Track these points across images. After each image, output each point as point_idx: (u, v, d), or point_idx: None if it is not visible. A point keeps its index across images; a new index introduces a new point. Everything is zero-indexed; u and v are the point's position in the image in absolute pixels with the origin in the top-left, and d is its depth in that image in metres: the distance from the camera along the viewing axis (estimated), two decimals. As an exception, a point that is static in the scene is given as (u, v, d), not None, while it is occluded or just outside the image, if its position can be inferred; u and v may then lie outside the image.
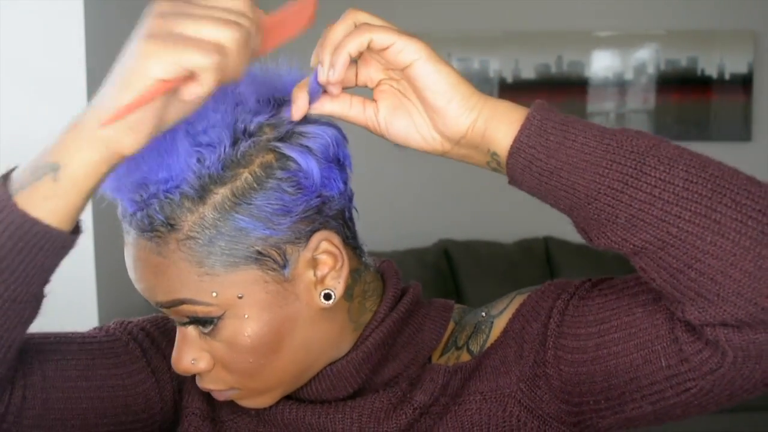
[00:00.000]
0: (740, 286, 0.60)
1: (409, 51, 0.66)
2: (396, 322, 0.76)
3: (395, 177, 3.47)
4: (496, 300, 0.80)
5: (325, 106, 0.70)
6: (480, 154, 0.68)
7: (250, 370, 0.71)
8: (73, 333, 0.78)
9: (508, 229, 3.51)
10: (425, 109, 0.68)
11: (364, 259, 0.77)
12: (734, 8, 3.55)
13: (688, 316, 0.63)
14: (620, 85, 3.61)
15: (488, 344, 0.76)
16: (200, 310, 0.69)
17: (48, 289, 0.66)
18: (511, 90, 3.54)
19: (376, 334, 0.75)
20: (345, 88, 0.71)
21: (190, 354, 0.72)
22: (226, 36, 0.58)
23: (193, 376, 0.80)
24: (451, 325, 0.80)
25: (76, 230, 0.64)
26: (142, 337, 0.81)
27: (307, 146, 0.69)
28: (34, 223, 0.60)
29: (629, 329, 0.67)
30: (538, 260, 3.45)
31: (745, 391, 0.65)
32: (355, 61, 0.69)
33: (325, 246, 0.71)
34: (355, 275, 0.74)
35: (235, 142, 0.67)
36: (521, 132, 0.65)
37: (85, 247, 2.13)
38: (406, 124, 0.70)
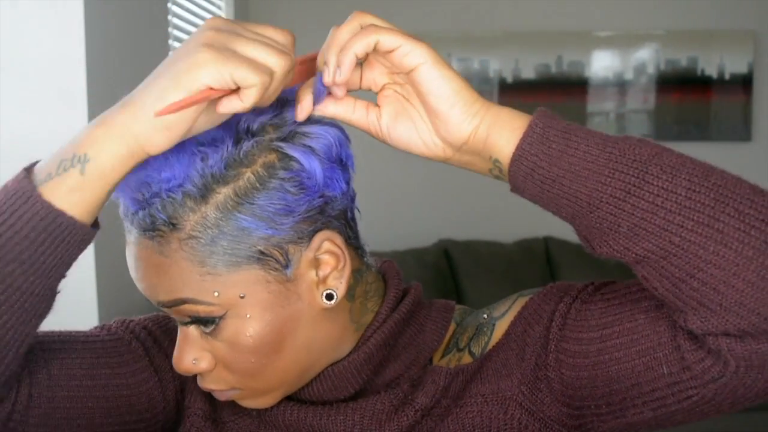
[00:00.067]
0: (743, 296, 0.60)
1: (414, 55, 0.65)
2: (397, 323, 0.76)
3: (395, 177, 3.47)
4: (498, 302, 0.80)
5: (329, 109, 0.70)
6: (482, 161, 0.68)
7: (252, 370, 0.71)
8: (76, 332, 0.78)
9: (508, 229, 3.51)
10: (428, 114, 0.68)
11: (365, 259, 0.76)
12: (734, 8, 3.56)
13: (690, 325, 0.63)
14: (620, 85, 3.61)
15: (490, 346, 0.76)
16: (202, 310, 0.69)
17: (62, 284, 0.66)
18: (511, 90, 3.54)
19: (377, 335, 0.75)
20: (349, 91, 0.71)
21: (192, 354, 0.72)
22: (276, 63, 0.62)
23: (195, 376, 0.80)
24: (452, 327, 0.80)
25: (95, 225, 0.65)
26: (145, 336, 0.80)
27: (310, 146, 0.69)
28: (59, 214, 0.61)
29: (631, 335, 0.67)
30: (538, 260, 3.45)
31: (747, 399, 0.65)
32: (360, 64, 0.70)
33: (328, 246, 0.70)
34: (356, 275, 0.74)
35: (237, 142, 0.67)
36: (523, 140, 0.65)
37: (85, 252, 2.12)
38: (408, 129, 0.70)
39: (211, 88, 0.60)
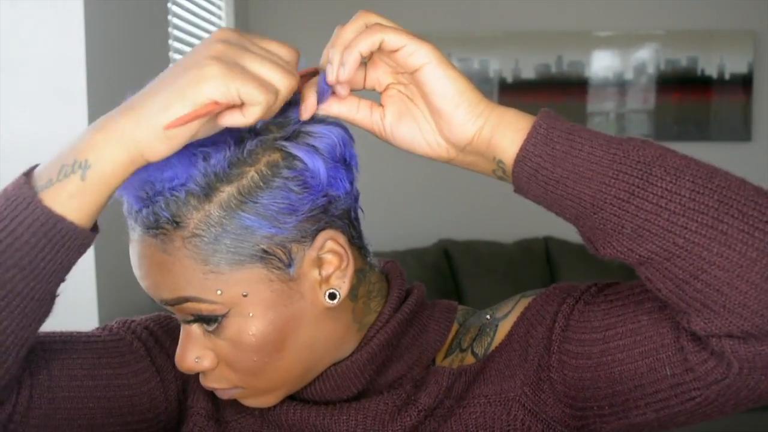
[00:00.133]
0: (746, 298, 0.60)
1: (419, 54, 0.66)
2: (400, 324, 0.76)
3: (395, 177, 3.47)
4: (501, 302, 0.80)
5: (333, 108, 0.70)
6: (485, 161, 0.68)
7: (255, 369, 0.71)
8: (77, 332, 0.78)
9: (508, 229, 3.51)
10: (432, 114, 0.68)
11: (369, 259, 0.76)
12: (734, 8, 3.56)
13: (693, 326, 0.63)
14: (620, 85, 3.61)
15: (493, 347, 0.76)
16: (205, 308, 0.69)
17: (62, 286, 0.66)
18: (511, 90, 3.54)
19: (380, 335, 0.75)
20: (353, 91, 0.71)
21: (194, 352, 0.72)
22: (282, 82, 0.62)
23: (198, 375, 0.80)
24: (454, 327, 0.80)
25: (94, 228, 0.66)
26: (146, 336, 0.80)
27: (313, 146, 0.69)
28: (59, 219, 0.61)
29: (634, 337, 0.67)
30: (538, 260, 3.45)
31: (751, 401, 0.65)
32: (364, 63, 0.70)
33: (331, 245, 0.70)
34: (359, 275, 0.74)
35: (241, 141, 0.67)
36: (527, 140, 0.65)
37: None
38: (411, 129, 0.70)
39: (217, 102, 0.61)
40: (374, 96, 0.73)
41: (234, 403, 0.79)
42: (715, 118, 3.60)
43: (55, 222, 0.61)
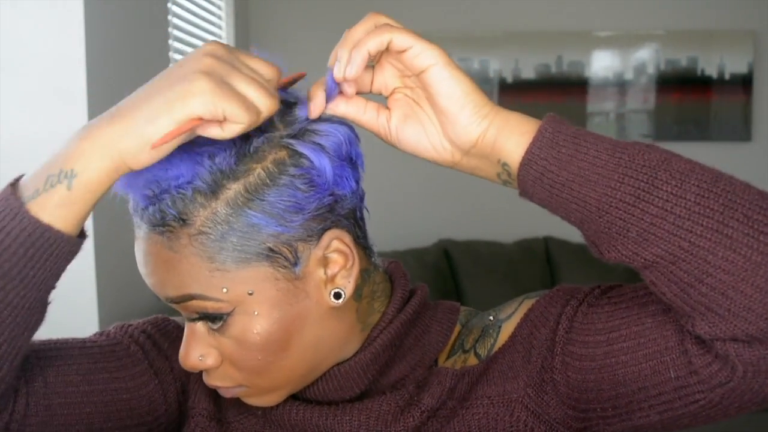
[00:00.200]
0: (751, 302, 0.60)
1: (426, 56, 0.66)
2: (404, 324, 0.76)
3: (395, 177, 3.47)
4: (504, 304, 0.80)
5: (340, 108, 0.71)
6: (490, 164, 0.68)
7: (259, 368, 0.71)
8: (73, 339, 0.78)
9: (508, 229, 3.51)
10: (437, 116, 0.68)
11: (373, 259, 0.76)
12: (734, 8, 3.56)
13: (698, 330, 0.63)
14: (620, 85, 3.61)
15: (496, 348, 0.76)
16: (210, 306, 0.69)
17: (53, 295, 0.67)
18: (511, 90, 3.54)
19: (384, 336, 0.75)
20: (359, 94, 0.71)
21: (198, 350, 0.71)
22: (265, 105, 0.64)
23: (198, 377, 0.80)
24: (457, 328, 0.80)
25: (81, 235, 0.66)
26: (144, 340, 0.80)
27: (319, 144, 0.69)
28: (46, 229, 0.62)
29: (638, 339, 0.67)
30: (538, 260, 3.45)
31: (755, 404, 0.65)
32: (371, 66, 0.70)
33: (337, 245, 0.70)
34: (364, 275, 0.74)
35: (246, 138, 0.67)
36: (533, 144, 0.65)
37: (85, 247, 2.12)
38: (417, 133, 0.70)
39: (201, 117, 0.62)
40: (380, 100, 0.73)
41: (236, 404, 0.79)
42: (715, 118, 3.60)
43: (43, 231, 0.62)
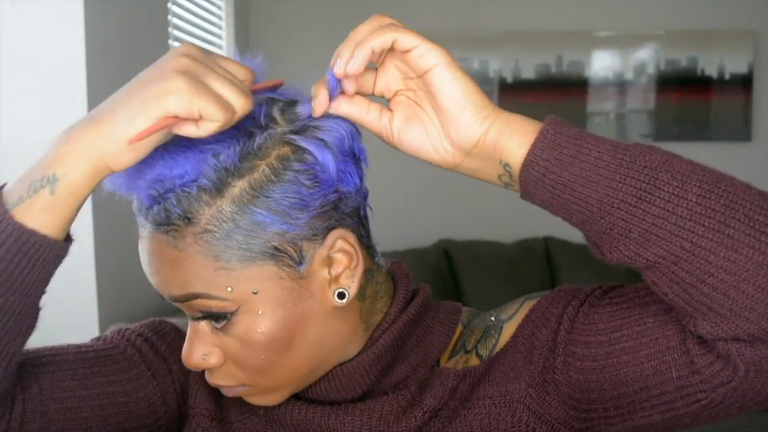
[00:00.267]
0: (753, 301, 0.60)
1: (430, 56, 0.66)
2: (406, 325, 0.76)
3: (395, 177, 3.47)
4: (505, 304, 0.80)
5: (343, 107, 0.71)
6: (492, 166, 0.68)
7: (262, 367, 0.71)
8: (69, 345, 0.78)
9: (508, 229, 3.51)
10: (439, 117, 0.69)
11: (376, 259, 0.77)
12: (734, 8, 3.56)
13: (700, 330, 0.63)
14: (620, 85, 3.61)
15: (497, 349, 0.76)
16: (215, 305, 0.69)
17: (44, 300, 0.67)
18: (511, 90, 3.54)
19: (386, 336, 0.75)
20: (362, 95, 0.71)
21: (201, 349, 0.71)
22: (240, 104, 0.64)
23: (198, 377, 0.80)
24: (459, 328, 0.80)
25: (68, 239, 0.67)
26: (140, 343, 0.80)
27: (322, 139, 0.70)
28: (32, 234, 0.63)
29: (640, 339, 0.67)
30: (538, 260, 3.45)
31: (756, 403, 0.65)
32: (374, 68, 0.70)
33: (341, 244, 0.71)
34: (367, 275, 0.74)
35: (250, 135, 0.68)
36: (535, 145, 0.65)
37: (85, 247, 2.13)
38: (419, 134, 0.70)
39: (177, 116, 0.62)
40: (382, 103, 0.73)
41: (238, 404, 0.79)
42: (715, 118, 3.60)
43: (29, 237, 0.63)
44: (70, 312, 1.93)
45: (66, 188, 0.63)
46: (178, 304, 0.71)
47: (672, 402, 0.67)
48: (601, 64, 3.60)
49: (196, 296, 0.68)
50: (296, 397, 0.77)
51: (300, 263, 0.69)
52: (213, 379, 0.73)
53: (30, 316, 0.67)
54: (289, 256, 0.69)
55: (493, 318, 0.79)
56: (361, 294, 0.74)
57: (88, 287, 1.99)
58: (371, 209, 0.76)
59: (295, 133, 0.69)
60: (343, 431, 0.74)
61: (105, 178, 0.65)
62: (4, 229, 0.62)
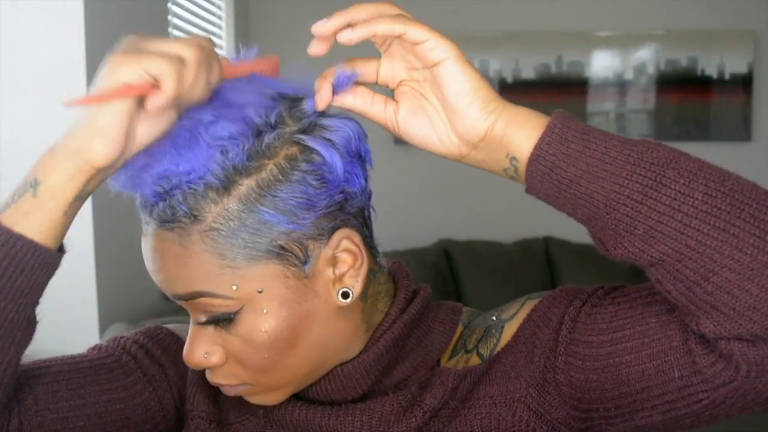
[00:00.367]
0: (756, 301, 0.60)
1: (440, 50, 0.66)
2: (407, 325, 0.76)
3: (395, 176, 3.47)
4: (506, 304, 0.80)
5: (347, 100, 0.71)
6: (498, 159, 0.68)
7: (265, 366, 0.71)
8: (63, 356, 0.78)
9: (508, 229, 3.51)
10: (445, 110, 0.69)
11: (378, 259, 0.76)
12: (734, 8, 3.56)
13: (702, 328, 0.63)
14: (620, 85, 3.61)
15: (498, 349, 0.76)
16: (219, 303, 0.68)
17: (39, 313, 0.67)
18: (511, 90, 3.54)
19: (387, 336, 0.75)
20: (365, 85, 0.71)
21: (203, 348, 0.71)
22: (185, 51, 0.63)
23: (196, 380, 0.80)
24: (459, 328, 0.80)
25: (61, 250, 0.67)
26: (135, 350, 0.80)
27: (330, 140, 0.69)
28: (18, 238, 0.63)
29: (642, 339, 0.67)
30: (538, 260, 3.45)
31: (758, 404, 0.65)
32: (377, 58, 0.70)
33: (346, 244, 0.71)
34: (370, 275, 0.74)
35: (258, 134, 0.67)
36: (542, 139, 0.65)
37: (85, 247, 2.13)
38: (424, 125, 0.70)
39: (130, 85, 0.62)
40: (385, 93, 0.73)
41: (237, 404, 0.79)
42: (715, 118, 3.60)
43: (15, 241, 0.63)
44: (70, 312, 1.93)
45: (48, 191, 0.64)
46: (181, 303, 0.71)
47: (673, 402, 0.66)
48: (601, 64, 3.60)
49: (201, 294, 0.68)
50: (296, 397, 0.77)
51: (305, 262, 0.69)
52: (214, 378, 0.73)
53: (23, 327, 0.66)
54: (295, 255, 0.68)
55: (494, 318, 0.79)
56: (363, 294, 0.73)
57: (88, 287, 1.99)
58: (374, 210, 0.76)
59: (303, 132, 0.69)
60: (343, 431, 0.74)
61: (99, 178, 0.65)
62: None
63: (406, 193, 3.59)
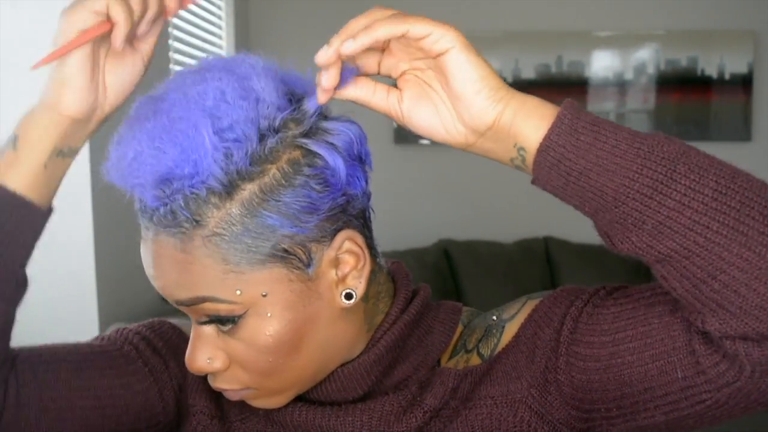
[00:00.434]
0: (764, 300, 0.60)
1: (445, 40, 0.64)
2: (407, 325, 0.75)
3: (395, 176, 3.47)
4: (507, 304, 0.80)
5: (349, 91, 0.69)
6: (505, 148, 0.67)
7: (269, 370, 0.70)
8: (66, 343, 0.79)
9: (508, 229, 3.51)
10: (451, 99, 0.67)
11: (378, 260, 0.76)
12: (734, 8, 3.56)
13: (708, 327, 0.62)
14: (620, 85, 3.61)
15: (499, 349, 0.76)
16: (223, 308, 0.68)
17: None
18: (511, 90, 3.54)
19: (387, 337, 0.75)
20: (367, 75, 0.70)
21: (206, 353, 0.71)
22: None
23: (198, 376, 0.80)
24: (459, 328, 0.79)
25: (50, 210, 0.71)
26: (138, 340, 0.80)
27: (332, 143, 0.69)
28: (0, 188, 0.66)
29: (645, 339, 0.67)
30: (538, 260, 3.45)
31: (761, 404, 0.65)
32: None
33: (348, 245, 0.70)
34: (371, 276, 0.74)
35: (261, 138, 0.67)
36: (552, 130, 0.64)
37: (85, 246, 2.13)
38: (430, 114, 0.68)
39: (84, 30, 0.65)
40: (388, 83, 0.71)
41: (238, 404, 0.79)
42: (715, 118, 3.60)
43: None
44: (70, 312, 1.93)
45: (26, 144, 0.68)
46: (183, 308, 0.70)
47: (676, 402, 0.66)
48: (601, 64, 3.60)
49: (204, 300, 0.68)
50: (297, 398, 0.76)
51: (308, 265, 0.69)
52: (217, 383, 0.73)
53: (11, 285, 0.68)
54: (298, 258, 0.68)
55: (494, 317, 0.79)
56: (365, 295, 0.73)
57: (88, 287, 1.99)
58: (373, 211, 0.76)
59: (306, 136, 0.68)
60: (343, 431, 0.74)
61: (78, 132, 0.69)
62: None
63: (406, 193, 3.59)
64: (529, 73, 3.56)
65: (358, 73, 0.69)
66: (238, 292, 0.67)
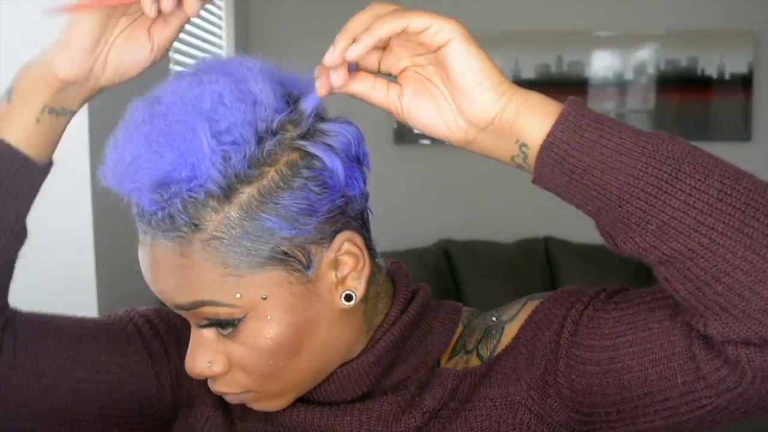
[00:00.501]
0: (767, 304, 0.59)
1: (444, 32, 0.63)
2: (407, 325, 0.75)
3: (395, 176, 3.47)
4: (507, 305, 0.79)
5: (348, 86, 0.67)
6: (506, 145, 0.65)
7: (269, 373, 0.70)
8: (70, 315, 0.79)
9: (508, 229, 3.51)
10: (452, 92, 0.65)
11: (377, 260, 0.76)
12: (734, 8, 3.56)
13: (710, 330, 0.62)
14: (620, 85, 3.61)
15: (499, 350, 0.75)
16: (223, 312, 0.67)
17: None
18: (511, 90, 3.54)
19: (387, 337, 0.74)
20: (367, 71, 0.69)
21: (206, 357, 0.70)
22: None
23: None
24: (459, 328, 0.79)
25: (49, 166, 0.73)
26: (142, 322, 0.81)
27: (330, 145, 0.68)
28: None
29: (645, 344, 0.66)
30: (538, 260, 3.45)
31: (761, 409, 0.64)
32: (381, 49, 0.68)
33: (348, 247, 0.70)
34: (370, 277, 0.73)
35: (259, 141, 0.66)
36: (556, 126, 0.63)
37: (85, 243, 2.13)
38: (430, 109, 0.67)
39: None
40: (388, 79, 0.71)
41: (239, 404, 0.79)
42: (715, 118, 3.60)
43: None
44: (70, 310, 1.93)
45: (19, 96, 0.70)
46: (182, 312, 0.70)
47: (676, 407, 0.66)
48: (601, 64, 3.60)
49: (204, 304, 0.67)
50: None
51: (308, 267, 0.68)
52: (217, 387, 0.73)
53: (6, 234, 0.70)
54: (298, 260, 0.68)
55: (494, 318, 0.78)
56: (364, 296, 0.73)
57: (88, 285, 1.99)
58: (371, 212, 0.76)
59: (304, 138, 0.68)
60: (341, 431, 0.74)
61: (71, 94, 0.70)
62: None
63: (406, 193, 3.58)
64: (529, 73, 3.56)
65: (357, 67, 0.68)
66: (238, 296, 0.67)
